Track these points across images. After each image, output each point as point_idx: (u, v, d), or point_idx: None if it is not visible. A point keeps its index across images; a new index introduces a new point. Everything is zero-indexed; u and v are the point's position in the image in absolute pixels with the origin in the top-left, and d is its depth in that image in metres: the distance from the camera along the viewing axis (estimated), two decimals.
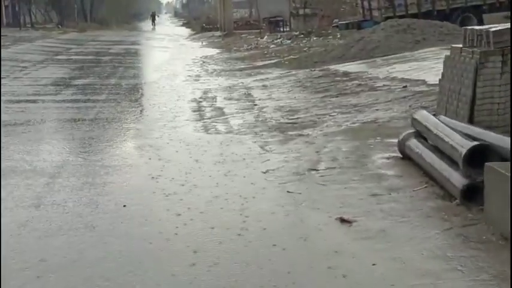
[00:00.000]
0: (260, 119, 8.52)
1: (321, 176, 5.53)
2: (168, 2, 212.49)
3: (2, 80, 13.89)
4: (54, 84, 13.23)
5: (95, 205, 4.87)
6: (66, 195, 5.13)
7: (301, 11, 33.17)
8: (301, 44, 20.62)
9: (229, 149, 6.74)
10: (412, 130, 5.89)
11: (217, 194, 5.06)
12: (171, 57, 22.05)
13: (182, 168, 5.95)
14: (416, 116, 5.87)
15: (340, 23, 21.76)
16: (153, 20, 66.03)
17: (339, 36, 21.24)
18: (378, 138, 6.75)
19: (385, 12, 20.29)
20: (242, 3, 60.16)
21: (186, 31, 53.92)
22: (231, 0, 37.20)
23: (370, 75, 11.41)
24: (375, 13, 20.70)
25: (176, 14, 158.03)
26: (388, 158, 5.91)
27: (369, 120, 7.77)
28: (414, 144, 5.62)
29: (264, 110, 9.34)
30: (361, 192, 4.98)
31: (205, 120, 8.67)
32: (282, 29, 33.34)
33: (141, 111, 9.60)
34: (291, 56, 17.32)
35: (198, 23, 63.14)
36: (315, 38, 21.62)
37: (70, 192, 5.21)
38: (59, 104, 10.43)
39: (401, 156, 5.87)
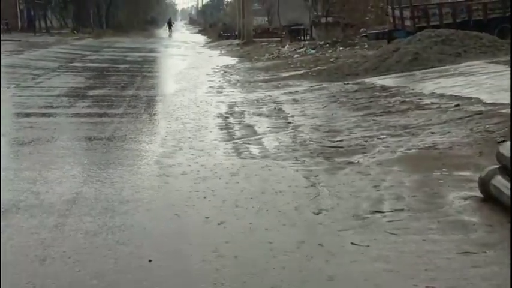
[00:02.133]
0: (298, 141, 7.52)
1: (389, 221, 4.52)
2: (183, 9, 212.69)
3: (12, 89, 13.04)
4: (68, 95, 12.31)
5: (113, 259, 3.89)
6: (78, 243, 4.16)
7: (322, 20, 32.18)
8: (327, 54, 19.63)
9: (269, 181, 5.75)
10: (496, 165, 4.86)
11: (267, 250, 4.07)
12: (190, 66, 21.13)
13: (215, 209, 4.96)
14: (502, 150, 4.84)
15: (369, 32, 20.76)
16: (170, 27, 65.31)
17: (366, 46, 20.24)
18: (445, 170, 5.73)
19: (418, 22, 19.27)
20: (259, 10, 59.43)
21: (202, 38, 53.17)
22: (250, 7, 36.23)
23: (413, 91, 10.38)
24: (407, 22, 19.65)
25: (191, 21, 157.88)
26: (466, 199, 4.89)
27: (427, 146, 6.74)
28: (502, 183, 4.60)
29: (300, 129, 8.35)
30: (447, 248, 3.96)
31: (235, 141, 7.68)
32: (302, 38, 32.40)
33: (162, 129, 8.62)
34: (318, 67, 16.32)
35: (215, 30, 62.49)
36: (341, 48, 20.62)
37: (83, 238, 4.24)
38: (72, 119, 9.50)
39: (482, 196, 4.85)
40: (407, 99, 9.63)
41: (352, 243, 4.12)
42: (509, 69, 10.17)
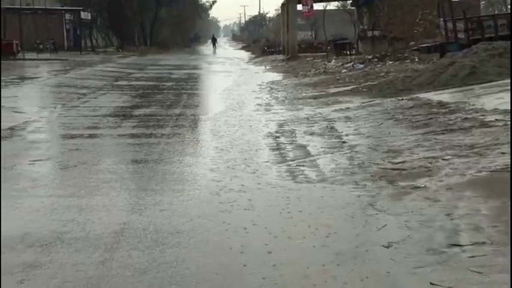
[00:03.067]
0: (356, 162, 7.06)
1: (470, 256, 4.03)
2: (226, 25, 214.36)
3: (58, 109, 12.92)
4: (114, 115, 12.09)
5: None
6: (127, 282, 3.79)
7: (369, 33, 31.64)
8: (376, 69, 19.09)
9: (329, 209, 5.31)
10: None
11: None
12: (236, 83, 20.85)
13: (275, 240, 4.54)
14: None
15: (421, 45, 20.14)
16: (214, 43, 65.54)
17: (417, 60, 19.64)
18: None
19: (472, 34, 18.59)
20: (303, 25, 59.20)
21: (246, 54, 53.09)
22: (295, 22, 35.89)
23: (473, 107, 9.81)
24: (461, 35, 18.97)
25: (234, 37, 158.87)
26: None
27: (499, 167, 6.19)
28: None
29: (356, 149, 7.89)
30: None
31: (289, 163, 7.26)
32: (348, 52, 31.88)
33: (212, 150, 8.25)
34: (369, 82, 15.82)
35: (258, 46, 62.49)
36: (390, 62, 20.06)
37: (131, 277, 3.86)
38: (118, 140, 9.22)
39: None
40: (469, 116, 9.07)
41: (431, 284, 3.65)
42: None
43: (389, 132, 8.84)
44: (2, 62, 32.42)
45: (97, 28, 63.88)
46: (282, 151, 8.05)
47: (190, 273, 3.93)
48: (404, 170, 6.52)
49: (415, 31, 26.72)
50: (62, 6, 59.47)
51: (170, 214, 5.23)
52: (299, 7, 34.91)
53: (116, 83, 20.93)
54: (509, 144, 6.94)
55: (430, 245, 4.28)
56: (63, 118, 11.68)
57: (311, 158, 7.48)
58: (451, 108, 10.01)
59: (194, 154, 8.01)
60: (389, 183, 6.03)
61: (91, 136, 9.52)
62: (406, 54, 21.00)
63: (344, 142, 8.43)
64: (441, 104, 10.52)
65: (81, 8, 54.40)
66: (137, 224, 4.96)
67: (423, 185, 5.83)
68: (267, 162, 7.38)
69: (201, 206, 5.51)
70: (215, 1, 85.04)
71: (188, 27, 77.91)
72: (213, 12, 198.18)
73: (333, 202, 5.52)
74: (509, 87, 11.17)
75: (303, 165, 7.08)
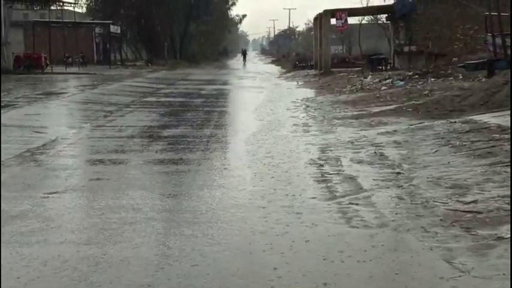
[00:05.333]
0: (418, 201, 6.05)
1: None
2: (254, 39, 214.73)
3: (82, 128, 12.12)
4: (141, 136, 11.23)
5: None
6: None
7: (405, 49, 30.55)
8: (418, 87, 18.00)
9: (397, 265, 4.33)
10: None
11: None
12: (268, 99, 19.93)
13: None
14: None
15: (467, 62, 19.01)
16: (244, 57, 64.94)
17: (461, 77, 18.52)
18: None
19: None
20: (333, 40, 58.23)
21: (276, 69, 52.27)
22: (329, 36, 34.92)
23: None
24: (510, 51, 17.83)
25: (263, 51, 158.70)
26: None
27: None
28: None
29: (415, 182, 6.88)
30: None
31: (339, 200, 6.28)
32: (383, 68, 30.83)
33: (248, 182, 7.29)
34: (413, 101, 14.75)
35: (288, 60, 61.78)
36: (432, 80, 18.96)
37: None
38: (144, 168, 8.30)
39: None
40: None
41: None
42: None
43: (448, 162, 7.81)
44: (31, 75, 32.04)
45: (127, 42, 63.65)
46: (328, 184, 7.06)
47: None
48: (479, 213, 5.50)
49: (455, 46, 25.61)
50: (92, 20, 59.42)
51: (205, 269, 4.29)
52: (333, 21, 33.98)
53: (144, 99, 20.15)
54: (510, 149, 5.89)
55: None
56: (86, 140, 10.84)
57: (364, 194, 6.48)
58: None
59: (227, 186, 7.04)
60: (465, 231, 5.03)
61: (115, 162, 8.63)
62: (449, 71, 19.87)
63: (398, 173, 7.42)
64: (502, 129, 9.44)
65: (110, 22, 54.17)
66: (165, 282, 4.04)
67: (509, 235, 4.81)
68: (313, 198, 6.41)
69: (239, 258, 4.57)
70: (245, 15, 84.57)
71: (217, 41, 77.49)
72: (242, 26, 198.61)
73: (400, 257, 4.53)
74: None
75: (357, 204, 6.10)
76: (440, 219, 5.39)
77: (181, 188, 6.98)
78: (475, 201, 5.86)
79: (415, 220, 5.43)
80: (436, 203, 5.92)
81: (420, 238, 4.94)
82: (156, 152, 9.52)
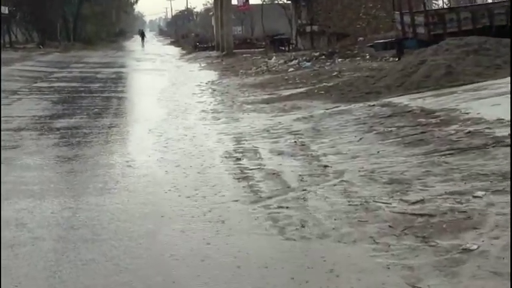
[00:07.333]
0: (356, 201, 5.25)
1: None
2: (151, 20, 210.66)
3: None
4: (29, 129, 9.90)
5: None
6: None
7: (307, 29, 30.09)
8: (326, 68, 17.42)
9: None
10: None
11: None
12: (172, 83, 18.80)
13: None
14: None
15: (376, 42, 18.57)
16: (143, 38, 63.02)
17: (368, 57, 18.10)
18: None
19: (433, 29, 17.15)
20: (233, 20, 57.34)
21: (176, 50, 50.96)
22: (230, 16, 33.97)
23: (469, 116, 8.16)
24: (420, 30, 17.47)
25: (161, 32, 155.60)
26: None
27: None
28: None
29: (346, 177, 6.08)
30: None
31: (266, 204, 5.38)
32: (286, 48, 30.28)
33: (158, 183, 6.28)
34: (324, 83, 14.10)
35: (187, 41, 60.41)
36: (339, 60, 18.45)
37: None
38: (32, 168, 7.08)
39: None
40: (471, 129, 7.40)
41: None
42: None
43: (378, 152, 7.09)
44: None
45: (16, 23, 60.05)
46: (250, 182, 6.16)
47: None
48: (431, 216, 4.75)
49: (358, 26, 25.34)
50: None
51: None
52: (234, 1, 33.06)
53: (35, 84, 18.49)
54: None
55: None
56: None
57: (293, 195, 5.62)
58: (442, 118, 8.35)
59: (132, 189, 6.01)
60: (422, 242, 4.25)
61: None
62: (355, 52, 19.41)
63: (326, 166, 6.62)
64: (427, 112, 8.86)
65: None
66: None
67: (475, 246, 4.06)
68: (235, 201, 5.49)
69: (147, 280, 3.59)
70: None
71: (113, 22, 74.89)
72: (138, 7, 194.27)
73: (352, 281, 3.70)
74: (499, 90, 9.66)
75: (287, 207, 5.23)
76: (389, 226, 4.60)
77: (77, 193, 5.88)
78: (421, 201, 5.11)
79: (359, 227, 4.62)
80: (378, 204, 5.14)
81: (371, 253, 4.12)
82: (47, 147, 8.31)
